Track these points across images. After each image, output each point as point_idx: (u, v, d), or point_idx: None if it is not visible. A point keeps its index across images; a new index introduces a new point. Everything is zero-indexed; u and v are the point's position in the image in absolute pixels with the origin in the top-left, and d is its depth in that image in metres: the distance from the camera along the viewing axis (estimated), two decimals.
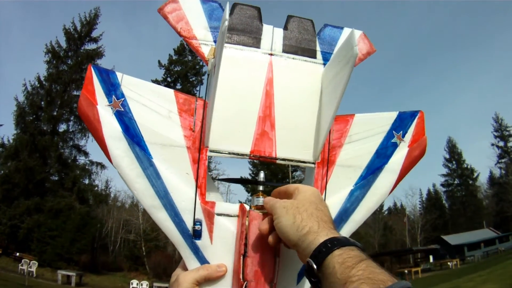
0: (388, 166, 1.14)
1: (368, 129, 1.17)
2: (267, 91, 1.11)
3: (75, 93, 34.03)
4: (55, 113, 33.59)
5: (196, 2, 1.21)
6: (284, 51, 1.18)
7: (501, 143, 57.37)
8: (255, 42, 1.16)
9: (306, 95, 1.14)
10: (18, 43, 74.55)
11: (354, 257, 0.71)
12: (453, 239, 43.91)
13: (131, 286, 26.85)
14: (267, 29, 1.19)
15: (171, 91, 1.07)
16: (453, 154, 62.22)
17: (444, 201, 63.32)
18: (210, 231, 0.98)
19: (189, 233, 0.98)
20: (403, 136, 1.18)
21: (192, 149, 1.03)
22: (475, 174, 60.61)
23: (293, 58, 1.18)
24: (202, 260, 0.97)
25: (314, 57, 1.20)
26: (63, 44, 35.01)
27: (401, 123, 1.19)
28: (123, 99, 1.02)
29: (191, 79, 37.16)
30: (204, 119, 1.05)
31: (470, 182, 60.08)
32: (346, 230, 1.08)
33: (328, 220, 0.84)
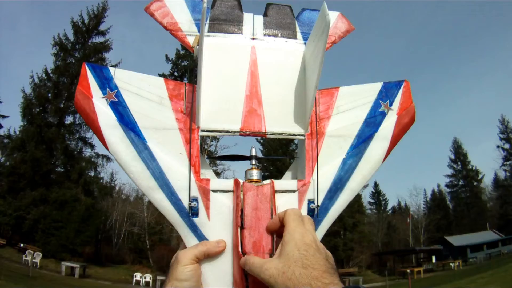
0: (378, 134, 1.16)
1: (354, 100, 1.20)
2: (252, 71, 1.17)
3: None
4: (61, 105, 33.82)
5: None
6: (265, 34, 1.25)
7: (507, 146, 56.89)
8: (237, 28, 1.24)
9: (290, 72, 1.19)
10: (26, 36, 75.05)
11: None
12: (456, 240, 43.77)
13: (134, 279, 27.06)
14: (247, 16, 1.27)
15: (161, 79, 1.13)
16: (459, 155, 61.84)
17: (448, 202, 63.12)
18: (207, 208, 1.00)
19: (186, 211, 1.00)
20: (390, 105, 1.21)
21: (184, 130, 1.07)
22: (480, 176, 60.34)
23: (274, 40, 1.25)
24: (201, 237, 0.98)
25: (295, 38, 1.27)
26: (71, 37, 35.30)
27: (387, 93, 1.22)
28: (116, 90, 1.08)
29: None
30: (193, 102, 1.09)
31: (475, 183, 59.66)
32: (343, 199, 1.10)
33: (319, 274, 0.76)
